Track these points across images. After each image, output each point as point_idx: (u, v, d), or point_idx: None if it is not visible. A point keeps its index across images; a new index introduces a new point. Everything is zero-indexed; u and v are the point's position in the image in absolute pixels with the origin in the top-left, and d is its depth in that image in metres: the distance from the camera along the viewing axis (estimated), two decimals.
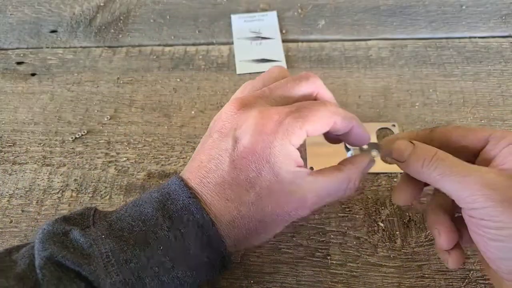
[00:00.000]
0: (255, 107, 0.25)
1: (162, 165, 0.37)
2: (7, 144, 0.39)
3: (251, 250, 0.32)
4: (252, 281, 0.30)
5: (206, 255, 0.24)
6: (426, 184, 0.26)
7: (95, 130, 0.40)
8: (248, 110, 0.25)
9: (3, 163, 0.38)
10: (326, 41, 0.46)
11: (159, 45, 0.47)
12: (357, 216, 0.33)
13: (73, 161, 0.38)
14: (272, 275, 0.31)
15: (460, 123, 0.38)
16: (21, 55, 0.47)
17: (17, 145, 0.39)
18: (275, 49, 0.46)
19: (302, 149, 0.37)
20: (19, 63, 0.46)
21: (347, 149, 0.32)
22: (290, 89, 0.27)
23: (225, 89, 0.42)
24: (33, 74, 0.45)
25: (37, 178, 0.37)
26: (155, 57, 0.46)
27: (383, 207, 0.33)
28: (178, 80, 0.44)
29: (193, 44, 0.47)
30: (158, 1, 0.52)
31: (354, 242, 0.32)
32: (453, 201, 0.24)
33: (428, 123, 0.38)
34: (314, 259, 0.31)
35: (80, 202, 0.35)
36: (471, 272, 0.30)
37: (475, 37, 0.45)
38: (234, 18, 0.49)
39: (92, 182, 0.36)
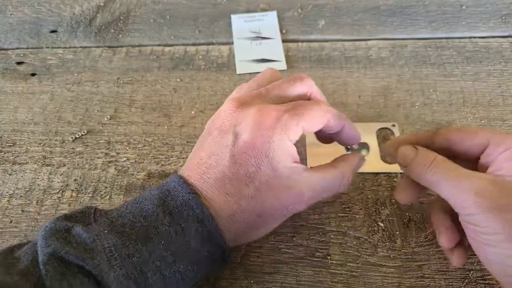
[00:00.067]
0: (253, 105, 0.26)
1: (162, 165, 0.37)
2: (7, 144, 0.39)
3: (251, 250, 0.32)
4: (252, 281, 0.30)
5: (207, 249, 0.25)
6: None
7: (95, 130, 0.40)
8: (247, 108, 0.26)
9: (3, 163, 0.38)
10: (326, 41, 0.46)
11: (159, 45, 0.47)
12: (357, 216, 0.33)
13: (73, 161, 0.38)
14: (272, 275, 0.31)
15: (460, 123, 0.38)
16: (21, 55, 0.47)
17: (17, 145, 0.39)
18: (275, 49, 0.46)
19: (302, 149, 0.37)
20: (19, 63, 0.46)
21: (347, 150, 0.33)
22: (285, 89, 0.28)
23: (225, 89, 0.42)
24: (33, 74, 0.45)
25: (37, 178, 0.37)
26: (155, 57, 0.46)
27: (383, 207, 0.33)
28: (178, 80, 0.44)
29: (193, 44, 0.47)
30: (158, 1, 0.52)
31: (354, 242, 0.32)
32: None
33: (428, 123, 0.38)
34: (314, 259, 0.31)
35: (80, 202, 0.35)
36: (471, 272, 0.30)
37: (475, 37, 0.45)
38: (234, 18, 0.49)
39: (92, 182, 0.36)
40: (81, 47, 0.48)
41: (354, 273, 0.30)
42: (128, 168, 0.37)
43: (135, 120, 0.41)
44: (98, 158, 0.38)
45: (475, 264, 0.30)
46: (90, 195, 0.36)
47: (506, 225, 0.22)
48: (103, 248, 0.23)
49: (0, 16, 0.52)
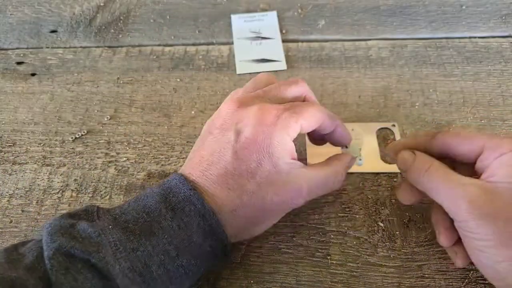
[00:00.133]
0: (254, 104, 0.27)
1: (162, 165, 0.37)
2: (7, 144, 0.39)
3: (251, 250, 0.32)
4: (252, 281, 0.30)
5: (209, 243, 0.25)
6: None
7: (95, 130, 0.40)
8: (248, 107, 0.27)
9: (3, 163, 0.38)
10: (326, 41, 0.46)
11: (159, 45, 0.47)
12: (357, 216, 0.33)
13: (73, 161, 0.38)
14: (272, 275, 0.31)
15: (460, 123, 0.38)
16: (21, 55, 0.47)
17: (17, 145, 0.39)
18: (275, 49, 0.46)
19: (301, 149, 0.37)
20: (19, 63, 0.46)
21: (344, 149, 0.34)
22: (282, 91, 0.29)
23: (225, 89, 0.42)
24: (33, 74, 0.45)
25: (37, 178, 0.37)
26: (155, 57, 0.46)
27: (383, 207, 0.33)
28: (178, 80, 0.44)
29: (193, 44, 0.47)
30: (158, 1, 0.52)
31: (354, 242, 0.32)
32: None
33: (428, 123, 0.38)
34: (314, 259, 0.31)
35: (80, 202, 0.35)
36: (471, 272, 0.30)
37: (475, 37, 0.45)
38: (234, 18, 0.49)
39: (92, 182, 0.36)
40: (81, 47, 0.48)
41: (354, 273, 0.30)
42: (128, 168, 0.37)
43: (135, 120, 0.41)
44: (98, 158, 0.38)
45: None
46: (90, 195, 0.36)
47: (497, 231, 0.23)
48: (108, 242, 0.23)
49: (0, 16, 0.52)
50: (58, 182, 0.36)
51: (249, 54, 0.45)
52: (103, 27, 0.49)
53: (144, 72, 0.45)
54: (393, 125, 0.38)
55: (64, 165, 0.38)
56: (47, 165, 0.38)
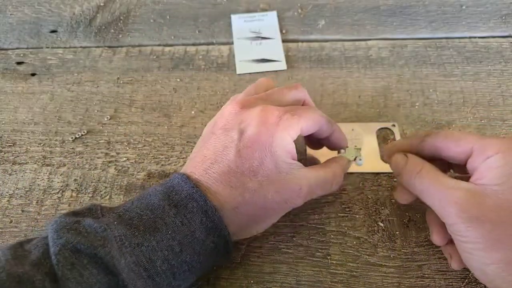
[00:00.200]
0: (257, 106, 0.28)
1: (162, 165, 0.37)
2: (7, 144, 0.39)
3: (251, 250, 0.32)
4: (252, 281, 0.30)
5: (211, 240, 0.26)
6: None
7: (95, 130, 0.40)
8: (251, 108, 0.28)
9: (3, 163, 0.38)
10: (326, 41, 0.46)
11: (159, 45, 0.47)
12: (357, 216, 0.33)
13: (73, 161, 0.38)
14: (272, 275, 0.31)
15: (460, 123, 0.38)
16: (21, 55, 0.47)
17: (17, 145, 0.39)
18: (275, 49, 0.46)
19: (302, 149, 0.37)
20: (19, 63, 0.46)
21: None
22: (283, 94, 0.30)
23: (225, 89, 0.42)
24: (33, 74, 0.45)
25: (37, 178, 0.37)
26: (155, 57, 0.46)
27: (383, 207, 0.33)
28: (178, 80, 0.44)
29: (193, 44, 0.47)
30: (158, 1, 0.52)
31: (354, 242, 0.32)
32: None
33: (428, 123, 0.38)
34: (314, 259, 0.31)
35: (80, 202, 0.35)
36: (471, 273, 0.30)
37: (475, 37, 0.45)
38: (234, 18, 0.49)
39: (92, 182, 0.36)
40: (81, 47, 0.48)
41: (354, 273, 0.30)
42: (128, 168, 0.37)
43: (135, 120, 0.41)
44: (98, 158, 0.38)
45: None
46: (90, 195, 0.36)
47: (484, 234, 0.23)
48: (113, 237, 0.23)
49: (0, 16, 0.52)
50: (58, 182, 0.36)
51: (249, 54, 0.45)
52: (103, 27, 0.49)
53: (144, 72, 0.45)
54: (393, 125, 0.38)
55: (64, 165, 0.38)
56: (47, 165, 0.38)
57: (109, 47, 0.47)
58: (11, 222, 0.34)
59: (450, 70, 0.42)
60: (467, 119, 0.38)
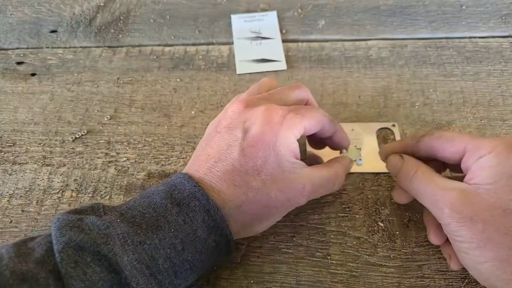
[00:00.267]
0: (261, 105, 0.28)
1: (162, 165, 0.37)
2: (7, 144, 0.39)
3: (251, 250, 0.32)
4: (252, 281, 0.30)
5: (213, 239, 0.26)
6: None
7: (95, 130, 0.40)
8: (255, 107, 0.28)
9: (3, 163, 0.38)
10: (326, 41, 0.46)
11: (159, 45, 0.47)
12: (357, 216, 0.33)
13: (73, 161, 0.38)
14: (272, 275, 0.31)
15: (460, 123, 0.38)
16: (21, 55, 0.47)
17: (17, 145, 0.39)
18: (275, 49, 0.46)
19: (301, 149, 0.37)
20: (19, 63, 0.46)
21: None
22: (287, 94, 0.30)
23: (225, 89, 0.42)
24: (33, 74, 0.45)
25: (37, 178, 0.37)
26: (155, 57, 0.46)
27: (383, 207, 0.33)
28: (178, 80, 0.44)
29: (193, 44, 0.47)
30: (158, 1, 0.52)
31: (354, 242, 0.32)
32: None
33: (428, 123, 0.38)
34: (314, 259, 0.31)
35: (80, 202, 0.35)
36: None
37: (475, 37, 0.45)
38: (234, 18, 0.49)
39: (92, 182, 0.36)
40: (81, 47, 0.48)
41: (354, 273, 0.30)
42: (128, 168, 0.37)
43: (135, 120, 0.41)
44: (98, 158, 0.38)
45: None
46: (90, 195, 0.36)
47: (477, 233, 0.23)
48: (116, 234, 0.23)
49: (0, 16, 0.52)
50: (58, 182, 0.36)
51: (249, 54, 0.45)
52: (103, 27, 0.49)
53: (144, 72, 0.45)
54: (393, 125, 0.38)
55: (64, 165, 0.38)
56: (47, 165, 0.38)
57: (109, 47, 0.47)
58: (11, 222, 0.34)
59: (450, 70, 0.42)
60: (467, 119, 0.38)
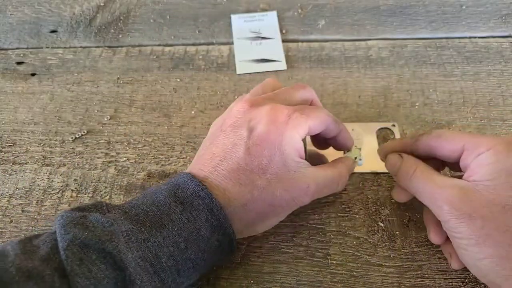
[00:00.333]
0: (266, 104, 0.28)
1: (162, 165, 0.37)
2: (7, 144, 0.39)
3: (251, 250, 0.32)
4: (252, 281, 0.30)
5: (216, 238, 0.26)
6: None
7: (95, 130, 0.40)
8: (260, 107, 0.28)
9: (3, 163, 0.38)
10: (326, 41, 0.46)
11: (159, 45, 0.47)
12: (357, 216, 0.33)
13: (73, 161, 0.38)
14: (272, 275, 0.31)
15: (460, 123, 0.38)
16: (21, 55, 0.47)
17: (17, 145, 0.39)
18: (275, 49, 0.46)
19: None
20: (19, 63, 0.46)
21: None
22: (291, 94, 0.31)
23: (225, 89, 0.42)
24: (33, 74, 0.45)
25: (37, 178, 0.37)
26: (155, 57, 0.46)
27: (383, 207, 0.33)
28: (178, 80, 0.44)
29: (193, 44, 0.47)
30: (158, 1, 0.52)
31: (354, 242, 0.32)
32: None
33: (428, 123, 0.38)
34: (314, 259, 0.31)
35: (80, 202, 0.35)
36: (471, 273, 0.30)
37: (475, 37, 0.45)
38: (234, 18, 0.49)
39: (92, 182, 0.36)
40: (81, 47, 0.48)
41: (354, 273, 0.30)
42: (128, 168, 0.37)
43: (135, 120, 0.41)
44: (98, 158, 0.38)
45: None
46: (90, 195, 0.36)
47: (476, 230, 0.24)
48: (120, 231, 0.23)
49: (0, 16, 0.52)
50: (58, 182, 0.36)
51: (249, 54, 0.45)
52: (103, 27, 0.49)
53: (144, 72, 0.45)
54: (393, 125, 0.38)
55: (64, 165, 0.38)
56: (47, 165, 0.38)
57: (109, 47, 0.47)
58: (11, 222, 0.34)
59: (450, 70, 0.42)
60: (467, 119, 0.38)
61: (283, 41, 0.46)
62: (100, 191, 0.36)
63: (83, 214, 0.24)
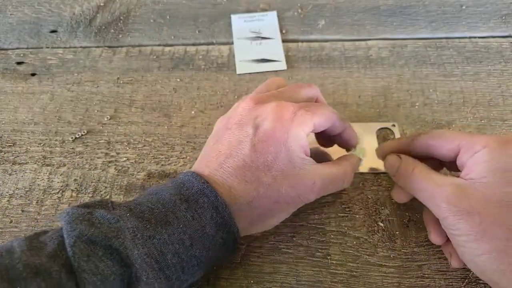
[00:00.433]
0: (271, 102, 0.28)
1: (162, 165, 0.37)
2: (7, 144, 0.39)
3: (251, 250, 0.32)
4: (252, 281, 0.30)
5: (221, 236, 0.26)
6: None
7: (95, 130, 0.40)
8: (266, 104, 0.28)
9: (3, 163, 0.38)
10: (326, 41, 0.46)
11: (159, 45, 0.47)
12: (357, 216, 0.33)
13: (73, 161, 0.38)
14: (272, 275, 0.31)
15: (460, 123, 0.38)
16: (21, 55, 0.47)
17: (17, 145, 0.39)
18: (275, 49, 0.46)
19: None
20: (19, 63, 0.46)
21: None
22: (296, 92, 0.31)
23: (225, 89, 0.42)
24: (33, 74, 0.45)
25: (37, 178, 0.37)
26: (155, 57, 0.46)
27: (383, 207, 0.33)
28: (178, 80, 0.44)
29: (193, 44, 0.47)
30: (158, 1, 0.52)
31: (354, 242, 0.32)
32: None
33: (428, 123, 0.38)
34: (314, 259, 0.31)
35: (80, 202, 0.35)
36: (471, 272, 0.30)
37: (475, 37, 0.45)
38: (234, 18, 0.49)
39: (92, 182, 0.36)
40: (81, 47, 0.48)
41: (354, 273, 0.30)
42: (128, 168, 0.37)
43: (135, 120, 0.41)
44: (98, 158, 0.38)
45: None
46: (90, 195, 0.36)
47: (474, 226, 0.24)
48: (126, 228, 0.23)
49: (0, 16, 0.52)
50: (58, 182, 0.36)
51: (249, 54, 0.45)
52: (103, 27, 0.49)
53: (144, 72, 0.45)
54: (393, 125, 0.38)
55: (64, 165, 0.38)
56: (47, 165, 0.38)
57: (109, 47, 0.47)
58: (11, 222, 0.34)
59: (450, 70, 0.42)
60: (467, 119, 0.38)
61: (283, 41, 0.46)
62: (100, 191, 0.36)
63: (89, 210, 0.24)
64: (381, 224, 0.33)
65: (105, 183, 0.36)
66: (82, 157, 0.38)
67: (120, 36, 0.48)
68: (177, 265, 0.24)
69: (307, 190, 0.28)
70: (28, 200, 0.36)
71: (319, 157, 0.36)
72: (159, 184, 0.28)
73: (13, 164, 0.38)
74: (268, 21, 0.49)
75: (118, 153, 0.38)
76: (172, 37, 0.48)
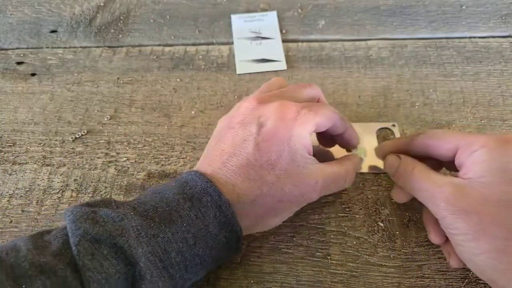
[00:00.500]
0: (274, 101, 0.29)
1: (162, 165, 0.37)
2: (7, 144, 0.39)
3: (251, 250, 0.32)
4: (252, 281, 0.30)
5: (224, 235, 0.26)
6: None
7: (95, 130, 0.40)
8: (269, 104, 0.29)
9: (3, 163, 0.38)
10: (326, 41, 0.46)
11: (159, 45, 0.47)
12: (357, 216, 0.33)
13: (73, 161, 0.38)
14: (272, 275, 0.31)
15: (460, 123, 0.38)
16: (21, 55, 0.47)
17: (17, 145, 0.39)
18: (275, 49, 0.46)
19: None
20: (19, 63, 0.46)
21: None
22: (298, 92, 0.31)
23: (225, 89, 0.42)
24: (33, 74, 0.45)
25: (37, 178, 0.37)
26: (155, 57, 0.46)
27: (383, 207, 0.33)
28: (178, 80, 0.44)
29: (193, 44, 0.47)
30: (158, 1, 0.52)
31: (354, 242, 0.32)
32: None
33: (428, 123, 0.38)
34: (314, 259, 0.31)
35: (80, 202, 0.35)
36: (471, 272, 0.30)
37: (475, 37, 0.45)
38: (234, 18, 0.49)
39: (92, 182, 0.36)
40: (81, 47, 0.48)
41: (354, 273, 0.30)
42: (128, 168, 0.37)
43: (135, 120, 0.41)
44: (98, 158, 0.38)
45: None
46: (90, 195, 0.36)
47: (473, 226, 0.24)
48: (131, 226, 0.24)
49: (0, 16, 0.52)
50: (58, 182, 0.36)
51: (249, 54, 0.45)
52: (103, 27, 0.49)
53: (144, 72, 0.45)
54: (393, 125, 0.38)
55: (64, 165, 0.38)
56: (47, 165, 0.38)
57: (109, 47, 0.47)
58: (11, 222, 0.34)
59: (450, 70, 0.42)
60: (467, 119, 0.38)
61: (283, 41, 0.46)
62: (100, 191, 0.36)
63: (93, 209, 0.24)
64: (381, 224, 0.33)
65: (105, 183, 0.36)
66: (82, 157, 0.38)
67: (120, 36, 0.48)
68: (180, 264, 0.24)
69: (310, 189, 0.28)
70: (28, 200, 0.36)
71: (322, 157, 0.36)
72: (161, 184, 0.28)
73: (13, 164, 0.38)
74: (268, 21, 0.49)
75: (118, 153, 0.38)
76: (172, 37, 0.48)
